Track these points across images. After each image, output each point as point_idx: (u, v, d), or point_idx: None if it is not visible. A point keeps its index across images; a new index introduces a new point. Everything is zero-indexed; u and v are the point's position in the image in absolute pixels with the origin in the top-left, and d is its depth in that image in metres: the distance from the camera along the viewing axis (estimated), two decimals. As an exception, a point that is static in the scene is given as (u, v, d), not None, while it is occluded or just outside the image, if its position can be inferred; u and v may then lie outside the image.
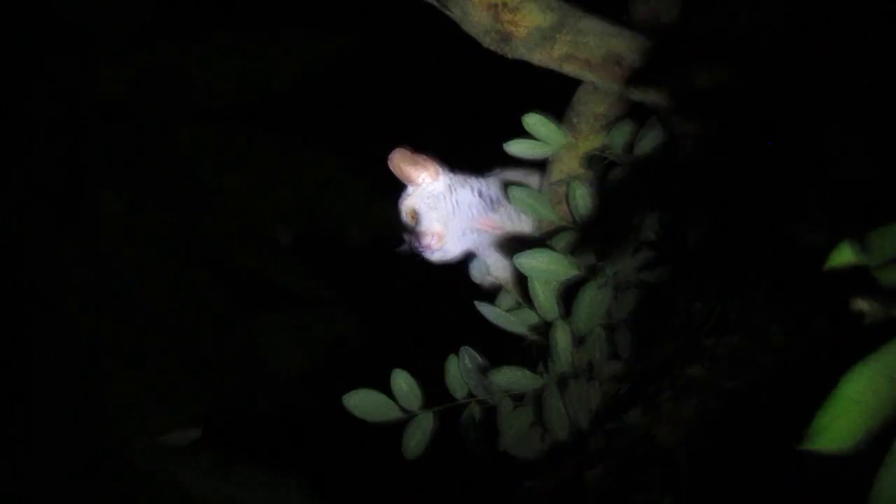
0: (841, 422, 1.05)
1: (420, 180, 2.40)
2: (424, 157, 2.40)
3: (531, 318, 2.18)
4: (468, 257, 2.46)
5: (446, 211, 2.37)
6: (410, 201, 2.39)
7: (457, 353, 2.15)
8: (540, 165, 2.35)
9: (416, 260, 2.41)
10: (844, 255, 1.06)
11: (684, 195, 2.09)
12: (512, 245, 2.37)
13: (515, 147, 2.16)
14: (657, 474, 2.12)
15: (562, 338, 2.10)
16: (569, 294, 2.12)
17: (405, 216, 2.39)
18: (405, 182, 2.41)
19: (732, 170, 2.00)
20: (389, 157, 2.37)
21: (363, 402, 2.10)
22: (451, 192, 2.39)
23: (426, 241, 2.34)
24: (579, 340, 2.12)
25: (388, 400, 2.10)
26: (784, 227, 1.89)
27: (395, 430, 2.12)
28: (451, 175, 2.44)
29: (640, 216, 2.14)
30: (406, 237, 2.41)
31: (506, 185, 2.26)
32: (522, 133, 2.16)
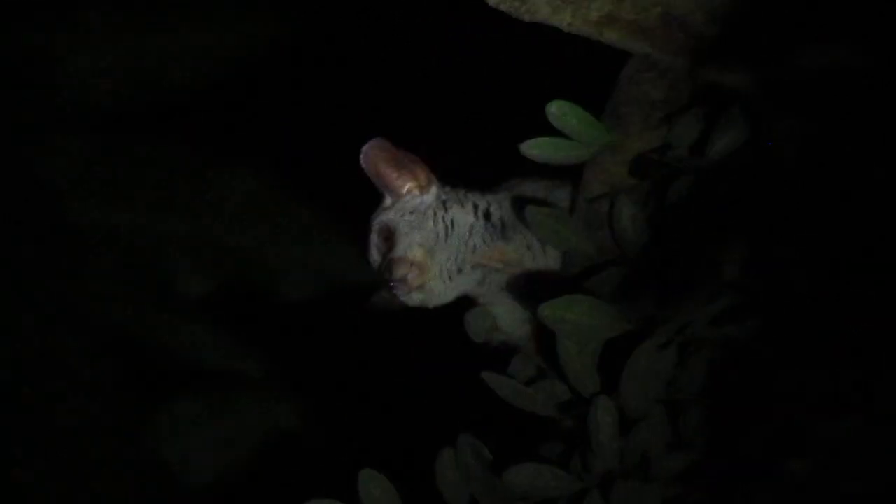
0: None
1: (403, 189, 2.12)
2: (412, 156, 2.11)
3: (560, 392, 1.90)
4: (464, 304, 2.18)
5: (434, 235, 2.09)
6: (386, 217, 2.11)
7: (452, 444, 1.88)
8: (571, 175, 2.07)
9: (389, 307, 2.15)
10: None
11: (783, 217, 1.82)
12: (532, 289, 2.07)
13: (536, 149, 1.83)
14: None
15: (605, 421, 1.80)
16: (614, 358, 1.84)
17: (376, 237, 2.11)
18: (381, 189, 2.13)
19: (855, 183, 1.75)
20: (364, 151, 2.06)
21: None
22: (443, 209, 2.10)
23: (400, 272, 2.04)
24: (630, 424, 1.83)
25: None
26: None
27: None
28: (446, 187, 2.16)
29: (717, 246, 1.85)
30: (375, 265, 2.15)
31: (522, 204, 1.98)
32: (546, 129, 1.83)
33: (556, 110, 1.78)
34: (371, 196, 2.08)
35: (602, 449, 1.77)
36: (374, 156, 2.06)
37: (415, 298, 2.07)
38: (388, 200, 2.12)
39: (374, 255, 2.09)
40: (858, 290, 1.72)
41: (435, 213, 2.09)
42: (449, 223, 2.09)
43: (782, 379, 1.80)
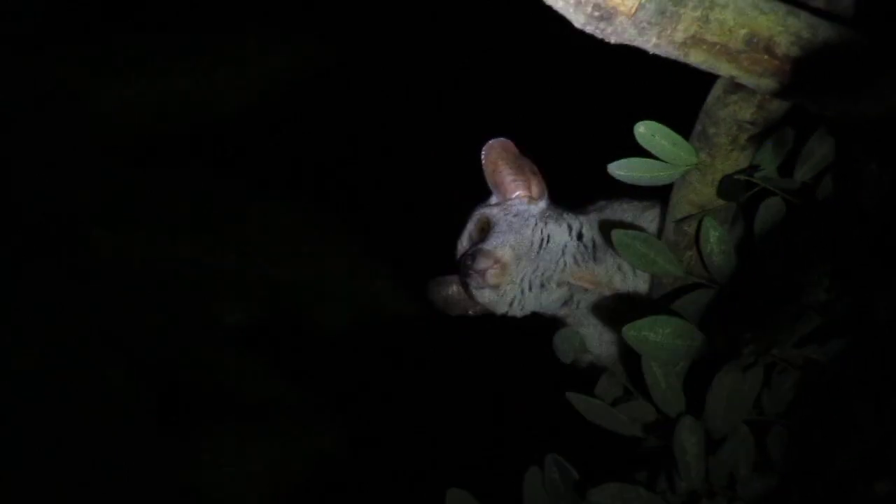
0: None
1: (513, 194, 2.25)
2: (533, 167, 2.24)
3: (646, 413, 2.00)
4: (548, 324, 2.26)
5: (528, 243, 2.19)
6: (489, 211, 2.23)
7: (539, 464, 1.97)
8: (659, 196, 2.18)
9: (452, 302, 2.30)
10: None
11: (870, 241, 1.87)
12: (619, 310, 2.17)
13: (624, 170, 1.92)
14: None
15: (691, 441, 1.89)
16: (700, 379, 1.93)
17: (472, 227, 2.24)
18: (492, 186, 2.26)
19: None
20: (489, 144, 2.21)
21: None
22: (543, 222, 2.21)
23: (483, 264, 2.14)
24: (716, 444, 1.93)
25: None
26: None
27: None
28: (552, 204, 2.27)
29: (804, 269, 1.92)
30: (460, 253, 2.26)
31: (610, 227, 2.04)
32: (634, 150, 1.92)
33: (645, 131, 1.88)
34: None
35: (688, 469, 1.87)
36: (497, 153, 2.20)
37: (485, 295, 2.19)
38: (494, 199, 2.26)
39: (464, 243, 2.22)
40: None
41: (535, 224, 2.20)
42: (545, 237, 2.20)
43: (868, 400, 1.87)
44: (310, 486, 3.62)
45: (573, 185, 2.24)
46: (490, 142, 2.19)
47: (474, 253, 2.15)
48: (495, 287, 2.16)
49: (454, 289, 2.27)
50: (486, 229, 2.21)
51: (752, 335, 1.90)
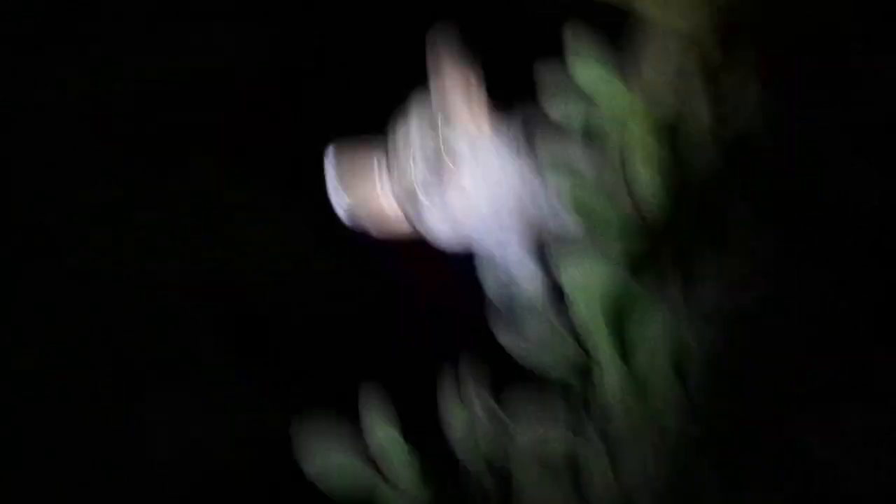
0: None
1: (462, 117, 2.17)
2: (485, 99, 2.18)
3: (572, 353, 1.98)
4: (473, 258, 2.22)
5: (491, 174, 2.15)
6: (448, 134, 2.15)
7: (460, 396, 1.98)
8: (587, 133, 2.11)
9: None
10: None
11: (801, 186, 1.90)
12: (549, 245, 2.12)
13: (551, 106, 1.99)
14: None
15: (615, 382, 1.90)
16: (627, 320, 1.92)
17: (430, 152, 2.14)
18: (438, 105, 2.17)
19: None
20: (438, 67, 2.13)
21: (325, 464, 1.94)
22: (499, 153, 2.17)
23: (453, 192, 2.11)
24: (640, 387, 1.92)
25: (361, 463, 1.95)
26: None
27: None
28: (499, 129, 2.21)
29: (735, 211, 1.93)
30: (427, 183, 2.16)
31: (547, 163, 2.06)
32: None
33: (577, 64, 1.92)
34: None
35: (610, 411, 1.89)
36: (449, 74, 2.13)
37: (441, 221, 2.13)
38: (440, 119, 2.17)
39: (418, 168, 2.13)
40: (876, 270, 1.84)
41: (498, 152, 2.15)
42: (504, 165, 2.15)
43: (807, 348, 1.89)
44: (241, 455, 3.64)
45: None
46: (444, 62, 2.13)
47: (443, 179, 2.12)
48: (453, 210, 2.14)
49: (387, 206, 2.20)
50: (447, 155, 2.15)
51: (680, 278, 1.90)
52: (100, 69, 3.21)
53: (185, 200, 3.29)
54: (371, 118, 2.26)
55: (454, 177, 2.12)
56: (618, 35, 2.01)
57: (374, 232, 2.19)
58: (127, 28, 3.31)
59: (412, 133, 2.17)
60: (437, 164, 2.14)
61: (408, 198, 2.15)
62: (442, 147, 2.15)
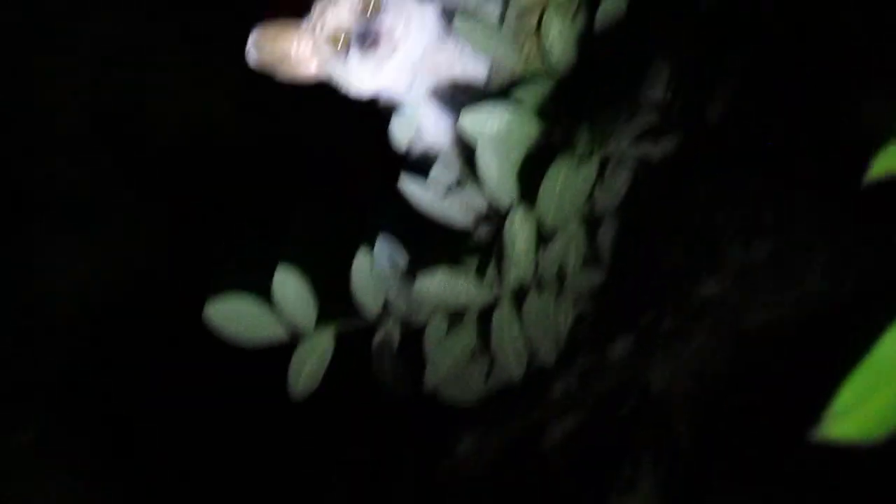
0: (872, 401, 0.92)
1: None
2: None
3: (478, 202, 1.99)
4: (386, 109, 2.19)
5: (414, 24, 2.09)
6: None
7: (369, 246, 1.97)
8: None
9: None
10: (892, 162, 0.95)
11: (709, 38, 1.92)
12: (456, 96, 2.12)
13: None
14: (644, 436, 2.01)
15: (521, 232, 1.91)
16: (534, 170, 1.92)
17: (357, 1, 2.08)
18: None
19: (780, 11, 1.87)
20: None
21: (233, 315, 1.88)
22: (419, 2, 2.12)
23: (383, 43, 2.05)
24: (547, 237, 1.95)
25: (268, 312, 1.90)
26: (843, 106, 1.81)
27: (277, 355, 1.92)
28: None
29: (642, 64, 1.95)
30: (340, 26, 2.10)
31: (453, 12, 2.03)
32: None
33: None
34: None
35: (517, 260, 1.90)
36: None
37: (366, 71, 2.09)
38: None
39: (343, 17, 2.09)
40: (776, 122, 1.88)
41: (418, 2, 2.12)
42: (424, 15, 2.12)
43: (698, 202, 1.96)
44: (135, 293, 3.62)
45: None
46: None
47: (375, 30, 2.06)
48: (383, 65, 2.09)
49: (297, 47, 2.13)
50: (374, 4, 2.09)
51: (587, 129, 1.90)
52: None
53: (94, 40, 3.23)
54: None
55: (378, 26, 2.07)
56: None
57: (280, 74, 2.14)
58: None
59: None
60: (360, 9, 2.08)
61: (327, 46, 2.10)
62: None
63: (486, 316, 1.94)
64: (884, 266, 1.78)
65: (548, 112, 1.96)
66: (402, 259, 1.98)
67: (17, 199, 3.38)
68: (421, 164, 2.16)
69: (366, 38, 2.07)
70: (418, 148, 2.21)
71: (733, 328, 1.95)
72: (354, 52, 2.08)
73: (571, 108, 1.95)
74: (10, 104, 3.19)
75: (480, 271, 1.97)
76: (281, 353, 1.91)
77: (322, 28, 2.10)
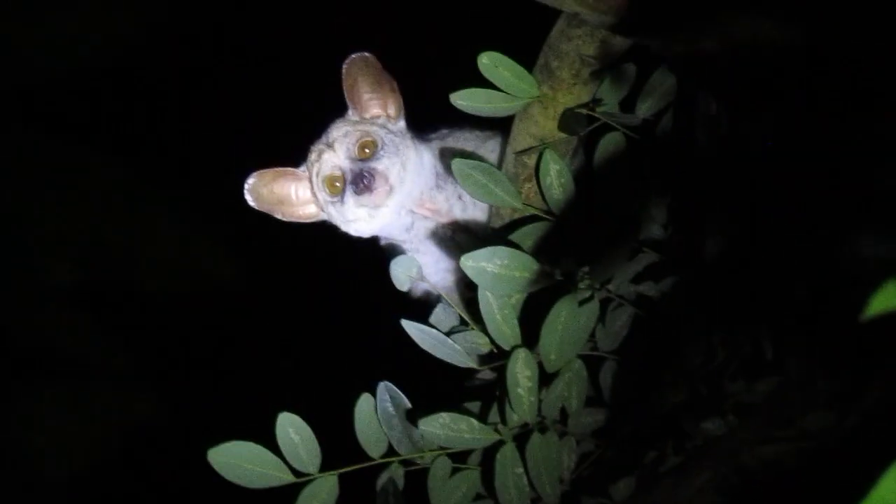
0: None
1: (369, 112, 2.19)
2: (393, 84, 2.18)
3: (481, 344, 1.97)
4: (385, 250, 2.26)
5: (414, 164, 2.16)
6: (369, 129, 2.16)
7: (372, 391, 1.94)
8: (502, 127, 2.16)
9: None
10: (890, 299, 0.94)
11: (706, 180, 1.93)
12: (456, 238, 2.19)
13: (466, 99, 1.92)
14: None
15: (524, 374, 1.89)
16: (536, 312, 1.91)
17: (351, 143, 2.14)
18: (349, 101, 2.18)
19: (777, 153, 1.85)
20: (351, 58, 2.13)
21: (236, 460, 1.85)
22: (414, 146, 2.18)
23: (377, 183, 2.10)
24: (549, 378, 1.94)
25: (273, 457, 1.86)
26: (841, 245, 1.77)
27: (283, 500, 1.90)
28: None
29: (641, 205, 1.98)
30: (335, 170, 2.15)
31: (451, 155, 2.04)
32: (477, 79, 1.92)
33: (488, 61, 1.89)
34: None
35: (519, 401, 1.88)
36: (358, 67, 2.13)
37: (354, 212, 2.13)
38: (353, 114, 2.19)
39: (339, 161, 2.13)
40: (773, 259, 1.86)
41: (415, 148, 2.17)
42: (421, 158, 2.18)
43: (699, 339, 1.94)
44: (129, 450, 3.59)
45: (416, 113, 2.20)
46: (353, 55, 2.12)
47: (368, 172, 2.09)
48: (377, 207, 2.13)
49: (295, 190, 2.18)
50: (370, 148, 2.14)
51: (588, 269, 1.91)
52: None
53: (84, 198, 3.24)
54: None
55: (373, 168, 2.10)
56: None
57: (279, 215, 2.16)
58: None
59: (331, 130, 2.15)
60: (356, 154, 2.13)
61: (325, 188, 2.13)
62: (360, 136, 2.14)
63: (490, 458, 1.92)
64: (885, 401, 1.79)
65: (548, 252, 1.95)
66: (404, 401, 1.94)
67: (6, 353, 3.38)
68: (422, 304, 2.20)
69: (361, 180, 2.10)
70: (419, 288, 2.25)
71: (735, 464, 1.92)
72: (350, 195, 2.12)
73: (571, 247, 1.93)
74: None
75: (483, 413, 1.97)
76: (283, 495, 1.89)
77: (319, 171, 2.15)
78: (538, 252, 1.94)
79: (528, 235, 1.97)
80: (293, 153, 2.18)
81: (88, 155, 3.39)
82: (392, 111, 2.17)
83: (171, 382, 3.46)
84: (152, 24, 3.39)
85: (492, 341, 1.95)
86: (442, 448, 1.94)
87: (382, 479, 1.96)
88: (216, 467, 1.83)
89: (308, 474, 1.88)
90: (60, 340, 3.30)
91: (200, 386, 3.29)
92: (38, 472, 3.39)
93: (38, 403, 3.41)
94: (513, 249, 1.89)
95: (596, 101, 1.99)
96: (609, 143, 1.97)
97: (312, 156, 2.15)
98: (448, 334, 1.98)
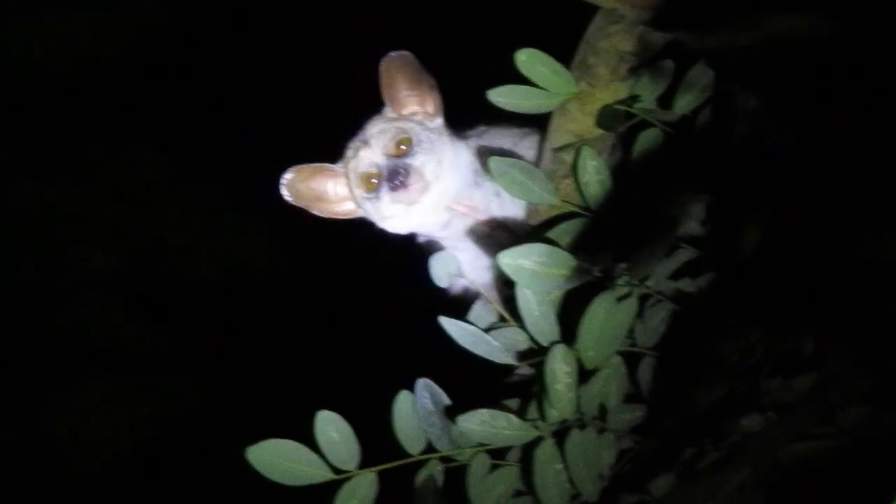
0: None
1: (407, 109, 2.20)
2: (432, 81, 2.18)
3: (519, 340, 1.98)
4: (423, 247, 2.27)
5: (451, 161, 2.17)
6: (405, 125, 2.17)
7: (411, 389, 1.94)
8: (539, 124, 2.15)
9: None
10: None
11: (744, 176, 1.93)
12: (494, 236, 2.17)
13: (504, 96, 1.91)
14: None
15: (562, 371, 1.88)
16: (574, 308, 1.90)
17: (388, 140, 2.15)
18: (387, 99, 2.19)
19: (816, 149, 1.86)
20: (389, 56, 2.13)
21: (275, 458, 1.84)
22: (451, 143, 2.19)
23: (412, 179, 2.11)
24: (587, 375, 1.93)
25: (312, 455, 1.86)
26: (882, 241, 1.79)
27: (320, 497, 1.88)
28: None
29: (679, 202, 1.96)
30: (371, 167, 2.16)
31: (488, 152, 2.05)
32: (514, 77, 1.91)
33: (526, 58, 1.88)
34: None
35: (558, 397, 1.87)
36: (396, 65, 2.14)
37: (391, 209, 2.15)
38: (390, 112, 2.20)
39: (375, 157, 2.14)
40: (813, 255, 1.85)
41: (451, 145, 2.18)
42: (458, 155, 2.18)
43: (737, 336, 1.95)
44: (175, 439, 3.59)
45: (454, 111, 2.20)
46: (390, 53, 2.12)
47: (403, 168, 2.11)
48: (413, 203, 2.13)
49: (333, 187, 2.20)
50: (406, 145, 2.16)
51: (626, 266, 1.91)
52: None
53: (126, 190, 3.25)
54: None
55: (409, 165, 2.11)
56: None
57: (316, 211, 2.18)
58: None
59: (368, 127, 2.16)
60: (392, 150, 2.14)
61: (361, 184, 2.15)
62: (396, 133, 2.15)
63: (529, 454, 1.92)
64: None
65: (586, 249, 1.93)
66: (443, 398, 1.94)
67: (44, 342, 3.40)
68: (460, 301, 2.20)
69: (396, 176, 2.11)
70: (458, 285, 2.26)
71: (773, 461, 1.92)
72: (386, 191, 2.13)
73: (609, 244, 1.93)
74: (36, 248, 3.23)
75: (522, 410, 1.96)
76: (322, 493, 1.88)
77: (355, 168, 2.16)
78: (576, 249, 1.93)
79: (565, 232, 1.97)
80: (332, 149, 2.18)
81: (130, 145, 3.40)
82: (430, 108, 2.18)
83: (209, 374, 3.46)
84: (197, 14, 3.40)
85: (530, 338, 1.95)
86: (481, 445, 1.93)
87: (421, 475, 1.95)
88: (255, 465, 1.83)
89: (348, 471, 1.87)
90: (98, 330, 3.32)
91: (237, 378, 3.29)
92: (73, 462, 3.40)
93: (75, 392, 3.43)
94: (550, 246, 1.86)
95: (633, 98, 1.98)
96: (646, 140, 1.96)
97: (349, 152, 2.16)
98: (486, 331, 1.98)
